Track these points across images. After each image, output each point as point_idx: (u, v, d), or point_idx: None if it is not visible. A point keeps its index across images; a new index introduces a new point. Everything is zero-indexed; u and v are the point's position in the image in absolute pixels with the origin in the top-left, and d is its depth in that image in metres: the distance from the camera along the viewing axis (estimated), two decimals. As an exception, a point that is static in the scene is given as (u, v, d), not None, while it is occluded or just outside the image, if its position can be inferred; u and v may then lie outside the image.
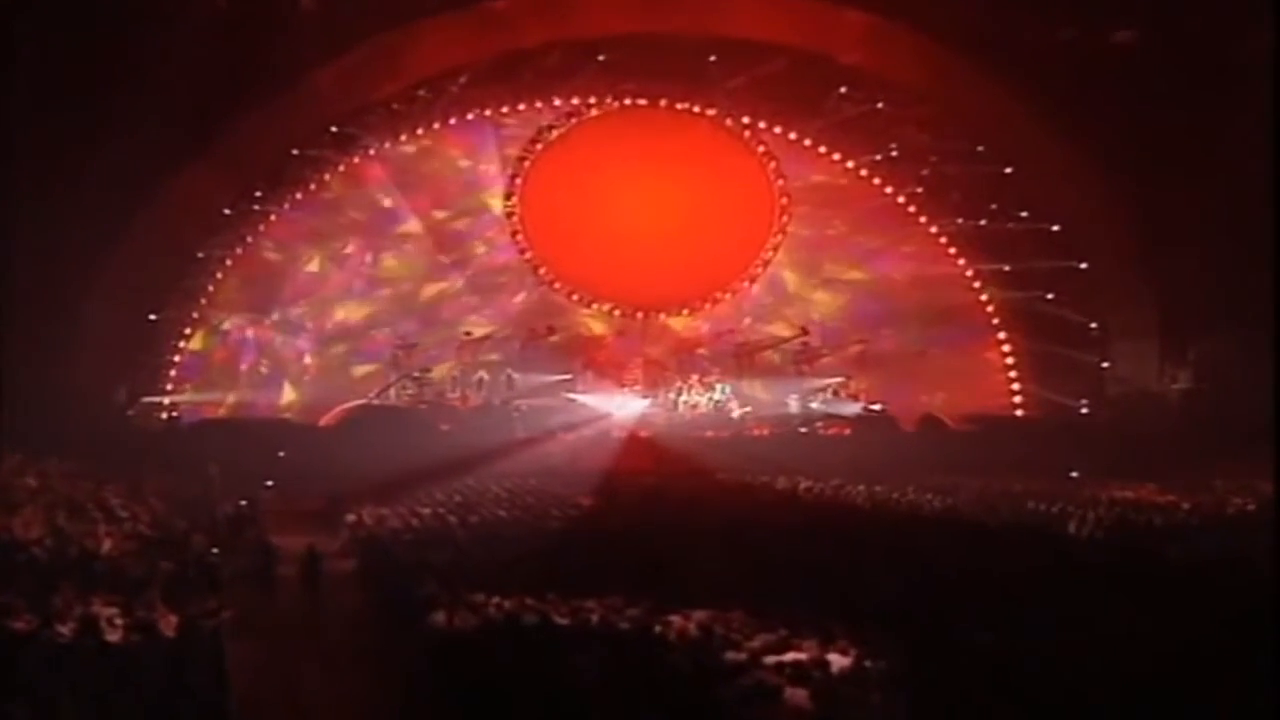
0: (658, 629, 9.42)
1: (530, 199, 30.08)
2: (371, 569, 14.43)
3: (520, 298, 30.86)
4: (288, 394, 30.00)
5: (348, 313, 30.32)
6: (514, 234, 30.43)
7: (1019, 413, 30.65)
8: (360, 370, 30.24)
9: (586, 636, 9.25)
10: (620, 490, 20.64)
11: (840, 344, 30.32)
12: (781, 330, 31.29)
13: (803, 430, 27.81)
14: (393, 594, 12.36)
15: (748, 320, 31.51)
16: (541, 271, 30.43)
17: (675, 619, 9.60)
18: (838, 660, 8.16)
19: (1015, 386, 31.02)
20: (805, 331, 29.86)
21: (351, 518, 17.58)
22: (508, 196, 30.32)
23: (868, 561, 12.79)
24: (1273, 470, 15.06)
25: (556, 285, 30.35)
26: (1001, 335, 31.14)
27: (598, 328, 30.90)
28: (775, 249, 31.03)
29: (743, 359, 30.27)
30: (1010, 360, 31.08)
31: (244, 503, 16.94)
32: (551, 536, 15.75)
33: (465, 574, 12.28)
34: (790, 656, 8.28)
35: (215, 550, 14.03)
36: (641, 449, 25.48)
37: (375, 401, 27.94)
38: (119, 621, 9.23)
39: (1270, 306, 18.84)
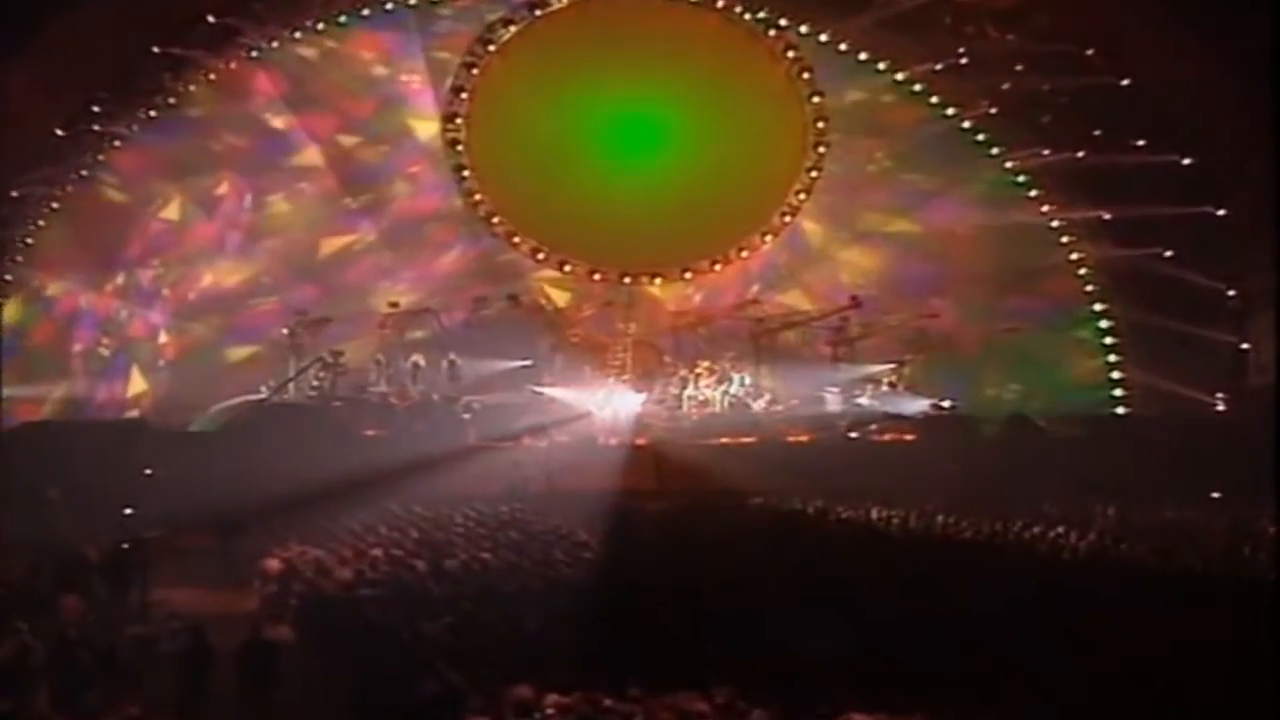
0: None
1: (480, 122, 29.62)
2: (330, 644, 13.22)
3: (458, 255, 30.59)
4: (136, 385, 29.56)
5: (220, 275, 29.94)
6: (458, 170, 29.95)
7: (1122, 409, 30.53)
8: (238, 353, 29.79)
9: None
10: (635, 523, 19.98)
11: (877, 318, 30.07)
12: (801, 301, 31.06)
13: (852, 436, 27.24)
14: (380, 689, 11.17)
15: (755, 288, 31.29)
16: (495, 221, 30.03)
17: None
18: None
19: (1118, 375, 30.86)
20: (857, 302, 29.28)
21: (274, 563, 16.59)
22: (448, 119, 29.72)
23: (1027, 633, 11.97)
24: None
25: (516, 240, 30.00)
26: (1100, 306, 31.00)
27: (570, 297, 30.64)
28: (806, 191, 30.62)
29: (761, 340, 29.80)
30: (1112, 340, 30.92)
31: (125, 545, 15.72)
32: (570, 591, 15.04)
33: (480, 653, 11.69)
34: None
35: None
36: (642, 462, 24.79)
37: (271, 397, 27.38)
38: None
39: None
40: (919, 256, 30.97)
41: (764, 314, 30.00)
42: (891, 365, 29.53)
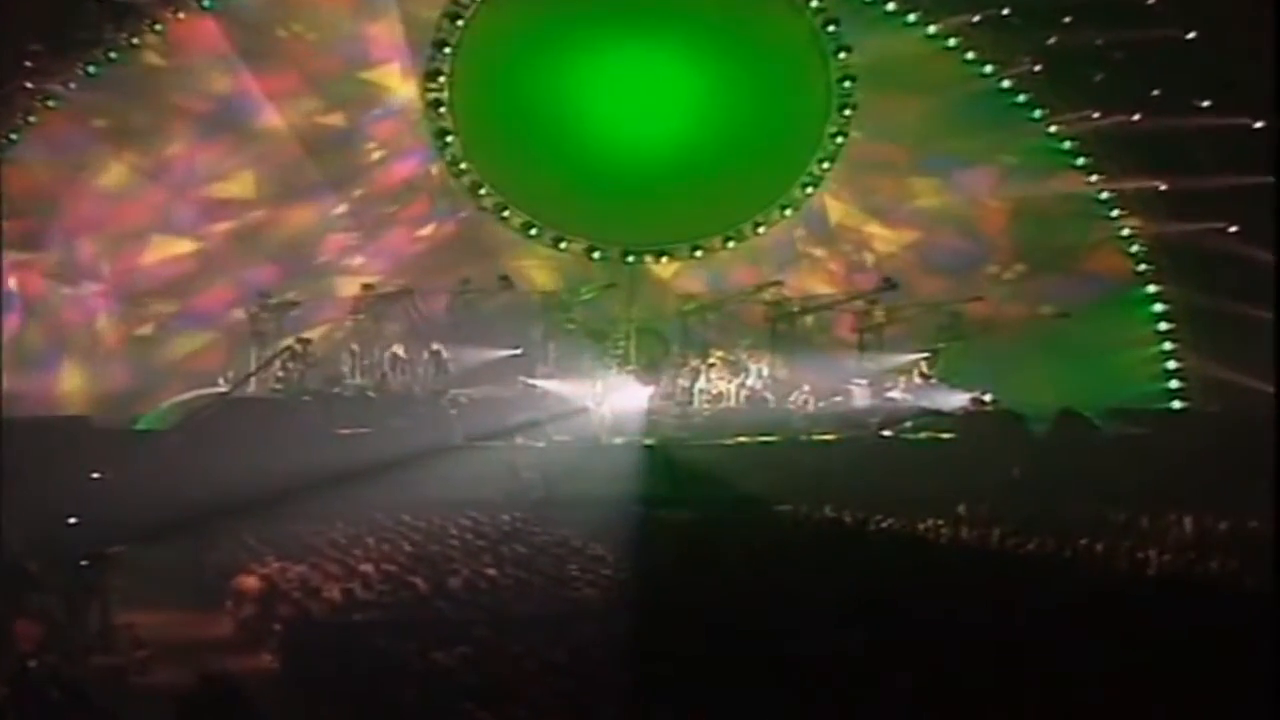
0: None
1: (465, 81, 29.42)
2: (324, 675, 12.90)
3: (438, 231, 30.53)
4: (70, 378, 28.95)
5: (168, 252, 29.38)
6: (440, 135, 29.68)
7: (1180, 403, 30.62)
8: (189, 341, 29.36)
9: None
10: (655, 536, 19.82)
11: (905, 302, 29.83)
12: (819, 284, 31.11)
13: (885, 435, 27.12)
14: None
15: (765, 268, 31.20)
16: (483, 192, 29.82)
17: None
18: None
19: (1174, 364, 30.87)
20: (891, 284, 29.03)
21: (251, 581, 16.34)
22: (429, 77, 29.49)
23: (1107, 663, 11.72)
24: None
25: (506, 214, 29.82)
26: (1154, 288, 30.95)
27: (565, 279, 30.32)
28: (830, 158, 30.56)
29: (779, 326, 29.64)
30: (1167, 325, 30.89)
31: (84, 562, 15.39)
32: (596, 616, 14.82)
33: (506, 689, 11.40)
34: None
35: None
36: (652, 465, 24.56)
37: (233, 391, 27.01)
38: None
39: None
40: (952, 232, 31.05)
41: (781, 297, 29.76)
42: (924, 354, 29.46)
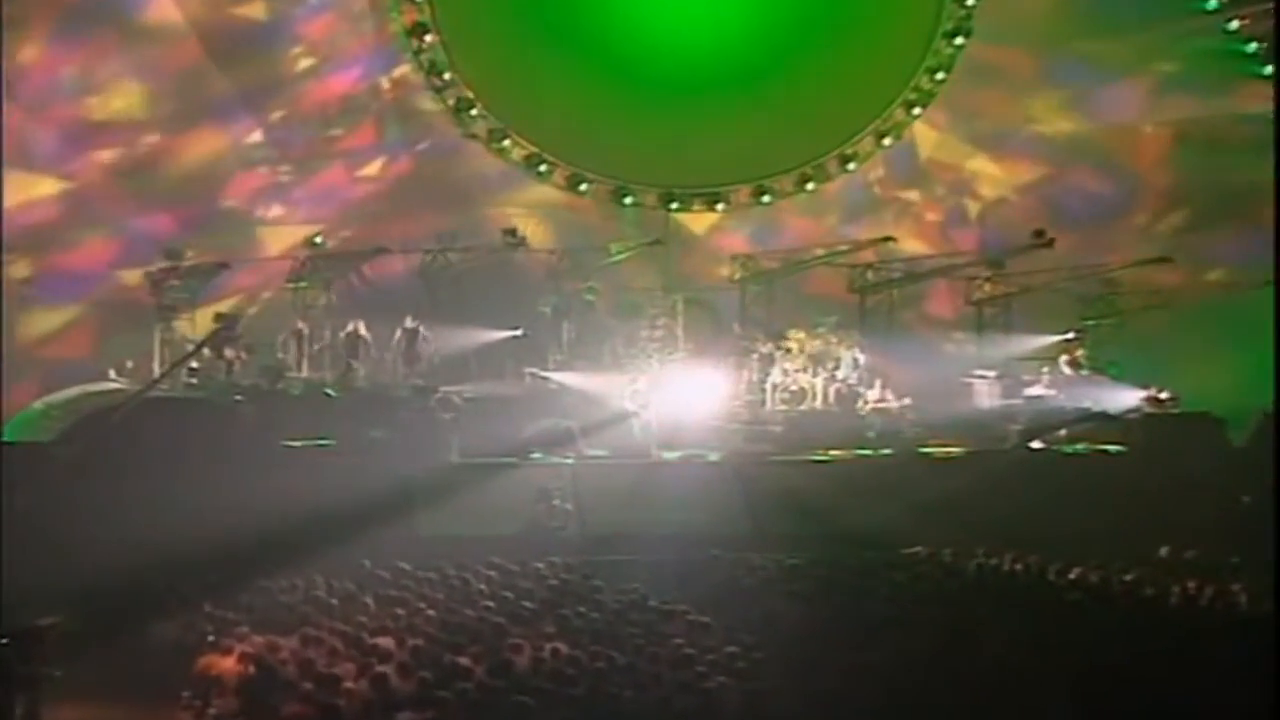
0: None
1: None
2: None
3: (384, 168, 30.60)
4: None
5: (24, 195, 28.78)
6: (414, 32, 29.57)
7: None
8: (55, 316, 29.05)
9: None
10: (759, 593, 19.31)
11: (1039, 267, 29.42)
12: (907, 240, 30.77)
13: (1035, 447, 26.58)
14: None
15: (832, 219, 31.35)
16: (472, 114, 29.70)
17: None
18: None
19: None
20: (1047, 240, 28.48)
21: (225, 663, 15.37)
22: None
23: None
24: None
25: (503, 143, 29.73)
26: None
27: (575, 234, 30.10)
28: (944, 68, 30.38)
29: (869, 299, 29.49)
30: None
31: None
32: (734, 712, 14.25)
33: None
34: None
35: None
36: (723, 490, 24.12)
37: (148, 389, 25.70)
38: None
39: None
40: (1086, 169, 31.12)
41: (873, 259, 29.45)
42: (1067, 336, 29.12)
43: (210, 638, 16.40)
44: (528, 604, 18.04)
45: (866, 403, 27.63)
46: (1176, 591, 19.31)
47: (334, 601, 18.02)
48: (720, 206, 30.10)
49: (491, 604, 18.01)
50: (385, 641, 15.90)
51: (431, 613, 17.45)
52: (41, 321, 28.90)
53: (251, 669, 15.14)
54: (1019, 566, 20.85)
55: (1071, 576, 20.16)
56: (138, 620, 17.65)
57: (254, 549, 19.81)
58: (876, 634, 16.77)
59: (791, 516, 23.76)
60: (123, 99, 29.30)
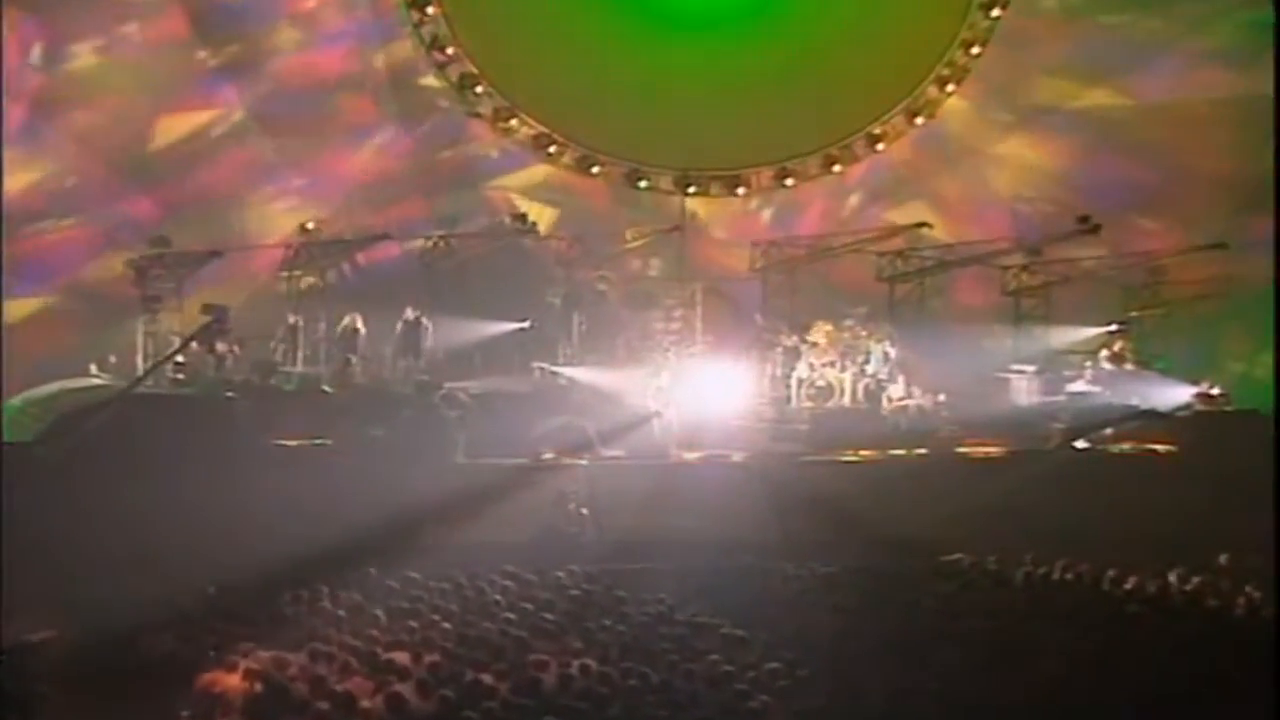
0: None
1: None
2: None
3: (381, 150, 30.46)
4: None
5: None
6: (415, 5, 29.39)
7: None
8: (28, 306, 28.80)
9: None
10: (796, 603, 19.15)
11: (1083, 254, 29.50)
12: (933, 221, 30.24)
13: (1080, 446, 26.45)
14: None
15: (853, 199, 31.44)
16: (478, 91, 29.79)
17: None
18: None
19: None
20: (1092, 226, 28.32)
21: (230, 680, 15.15)
22: None
23: None
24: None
25: (510, 122, 29.76)
26: None
27: (585, 219, 30.08)
28: (982, 40, 30.35)
29: (898, 287, 29.37)
30: None
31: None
32: None
33: None
34: None
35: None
36: (748, 493, 23.94)
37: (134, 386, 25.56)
38: None
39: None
40: (1125, 148, 30.81)
41: (902, 247, 29.34)
42: (1110, 328, 29.10)
43: (211, 652, 16.24)
44: (549, 616, 17.84)
45: (897, 399, 27.63)
46: (1241, 602, 19.18)
47: (341, 613, 17.88)
48: (741, 190, 30.19)
49: (512, 616, 17.79)
50: (400, 657, 15.78)
51: (447, 625, 17.32)
52: (13, 312, 28.58)
53: (259, 687, 15.00)
54: (1070, 575, 20.70)
55: (1128, 586, 20.00)
56: (131, 633, 17.41)
57: (248, 556, 19.72)
58: (926, 649, 16.69)
59: (822, 521, 23.56)
60: (97, 75, 29.28)
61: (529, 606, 18.33)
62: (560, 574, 20.23)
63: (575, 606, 18.65)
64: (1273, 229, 25.99)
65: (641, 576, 20.39)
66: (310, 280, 28.31)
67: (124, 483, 21.81)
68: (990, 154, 31.44)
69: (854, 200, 31.36)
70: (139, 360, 27.05)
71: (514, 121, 29.53)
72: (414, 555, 20.72)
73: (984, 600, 19.55)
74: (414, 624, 17.35)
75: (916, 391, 27.69)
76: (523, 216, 28.21)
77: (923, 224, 29.41)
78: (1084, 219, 28.59)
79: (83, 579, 18.87)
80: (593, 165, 29.61)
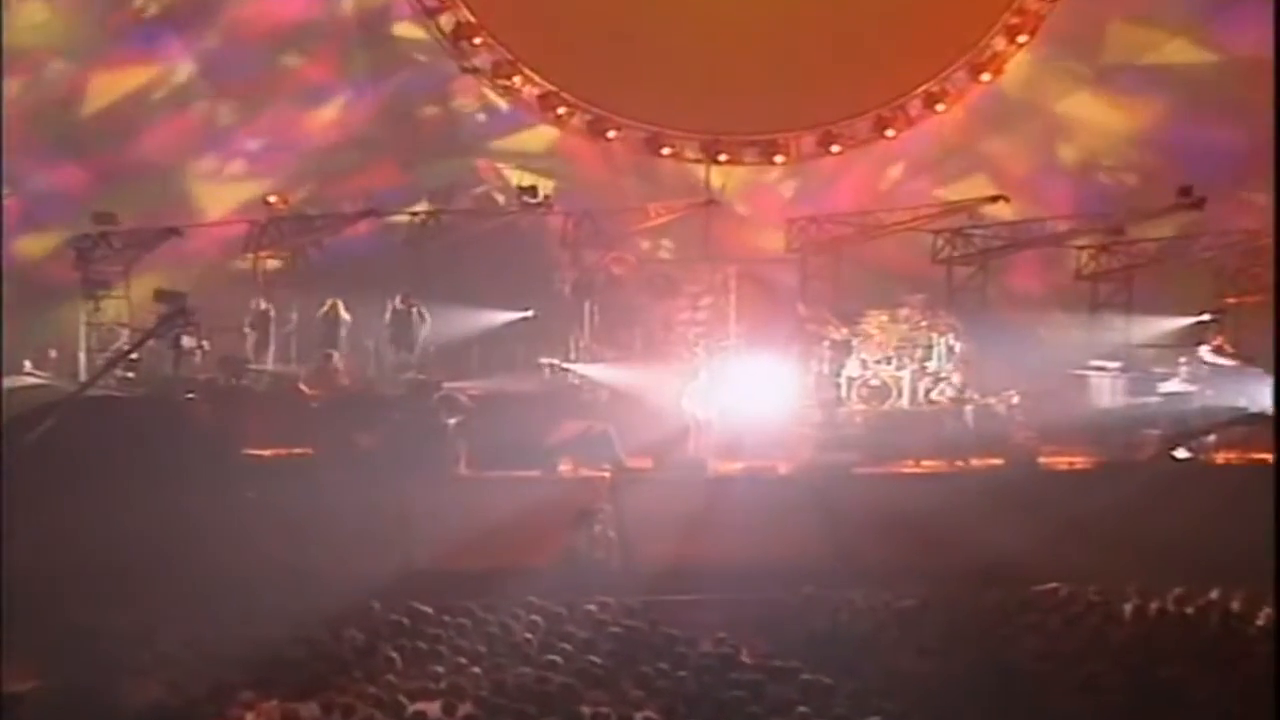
0: None
1: None
2: None
3: (345, 111, 30.55)
4: None
5: None
6: None
7: None
8: None
9: None
10: (867, 641, 18.94)
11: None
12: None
13: (1179, 456, 26.13)
14: None
15: (896, 170, 31.30)
16: (475, 42, 29.82)
17: None
18: None
19: None
20: (1195, 201, 28.11)
21: None
22: None
23: None
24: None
25: (513, 80, 29.69)
26: None
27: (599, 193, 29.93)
28: None
29: (957, 270, 29.32)
30: None
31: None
32: None
33: None
34: None
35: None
36: (795, 510, 23.66)
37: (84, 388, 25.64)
38: None
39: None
40: (1214, 110, 30.64)
41: (962, 224, 29.22)
42: (1203, 318, 28.64)
43: (210, 707, 16.11)
44: (595, 659, 17.68)
45: (964, 401, 27.34)
46: None
47: (348, 657, 17.72)
48: (779, 159, 30.13)
49: (555, 659, 17.64)
50: (430, 709, 15.61)
51: (476, 670, 17.14)
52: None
53: (265, 743, 15.01)
54: (1190, 609, 20.30)
55: (1259, 621, 19.62)
56: (104, 680, 17.07)
57: (221, 588, 19.71)
58: (1043, 699, 16.63)
59: (886, 544, 23.27)
60: (19, 25, 29.13)
61: (568, 647, 18.17)
62: (592, 606, 20.06)
63: (621, 646, 18.42)
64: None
65: (686, 609, 20.35)
66: (275, 264, 28.51)
67: (72, 503, 21.46)
68: (1049, 116, 31.51)
69: (894, 172, 31.32)
70: (80, 355, 27.23)
71: (517, 79, 29.64)
72: (409, 583, 20.65)
73: (1097, 638, 19.16)
74: (438, 668, 17.13)
75: (982, 392, 27.48)
76: (532, 189, 28.17)
77: (998, 197, 29.29)
78: (1185, 191, 28.44)
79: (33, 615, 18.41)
80: (607, 129, 29.66)
